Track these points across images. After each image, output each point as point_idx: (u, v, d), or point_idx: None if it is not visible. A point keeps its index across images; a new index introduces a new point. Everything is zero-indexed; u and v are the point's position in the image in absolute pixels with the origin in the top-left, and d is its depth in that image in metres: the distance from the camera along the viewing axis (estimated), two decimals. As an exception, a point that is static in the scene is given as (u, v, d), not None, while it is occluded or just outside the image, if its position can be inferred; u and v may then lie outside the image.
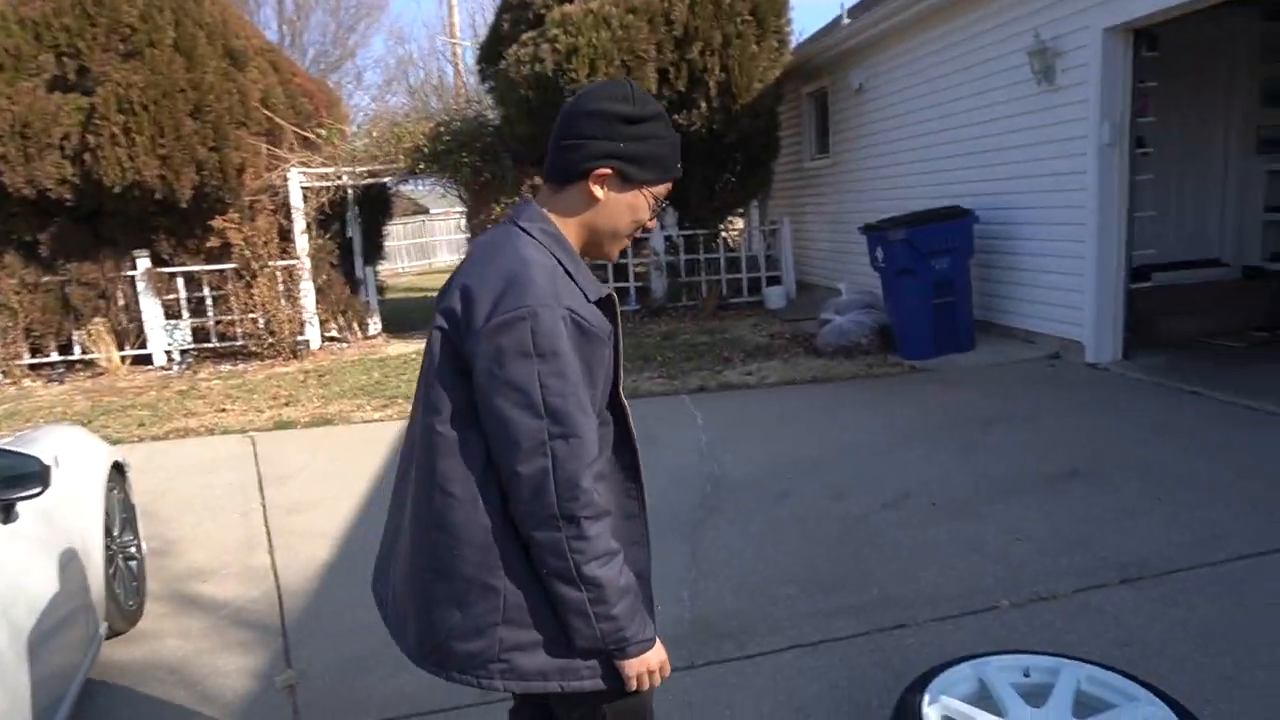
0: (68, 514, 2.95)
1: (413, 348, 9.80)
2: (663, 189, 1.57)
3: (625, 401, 1.59)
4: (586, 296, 1.47)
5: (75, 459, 3.26)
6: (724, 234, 11.93)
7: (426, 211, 26.53)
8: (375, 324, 10.92)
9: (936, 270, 7.05)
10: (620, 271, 10.81)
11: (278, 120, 9.82)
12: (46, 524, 2.72)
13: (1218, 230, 8.13)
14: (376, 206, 11.75)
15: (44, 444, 3.05)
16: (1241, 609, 2.98)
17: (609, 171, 1.50)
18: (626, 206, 1.54)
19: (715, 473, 4.86)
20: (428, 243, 26.00)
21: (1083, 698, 2.16)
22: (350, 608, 3.54)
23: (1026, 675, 2.25)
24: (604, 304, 1.52)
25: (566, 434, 1.39)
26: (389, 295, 15.98)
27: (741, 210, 12.17)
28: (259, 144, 9.54)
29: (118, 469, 3.68)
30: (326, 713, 2.84)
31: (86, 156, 8.64)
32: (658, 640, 1.52)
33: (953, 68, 8.02)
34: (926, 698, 2.15)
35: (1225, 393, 5.50)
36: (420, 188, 13.69)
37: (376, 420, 6.66)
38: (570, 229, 1.54)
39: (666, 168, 1.55)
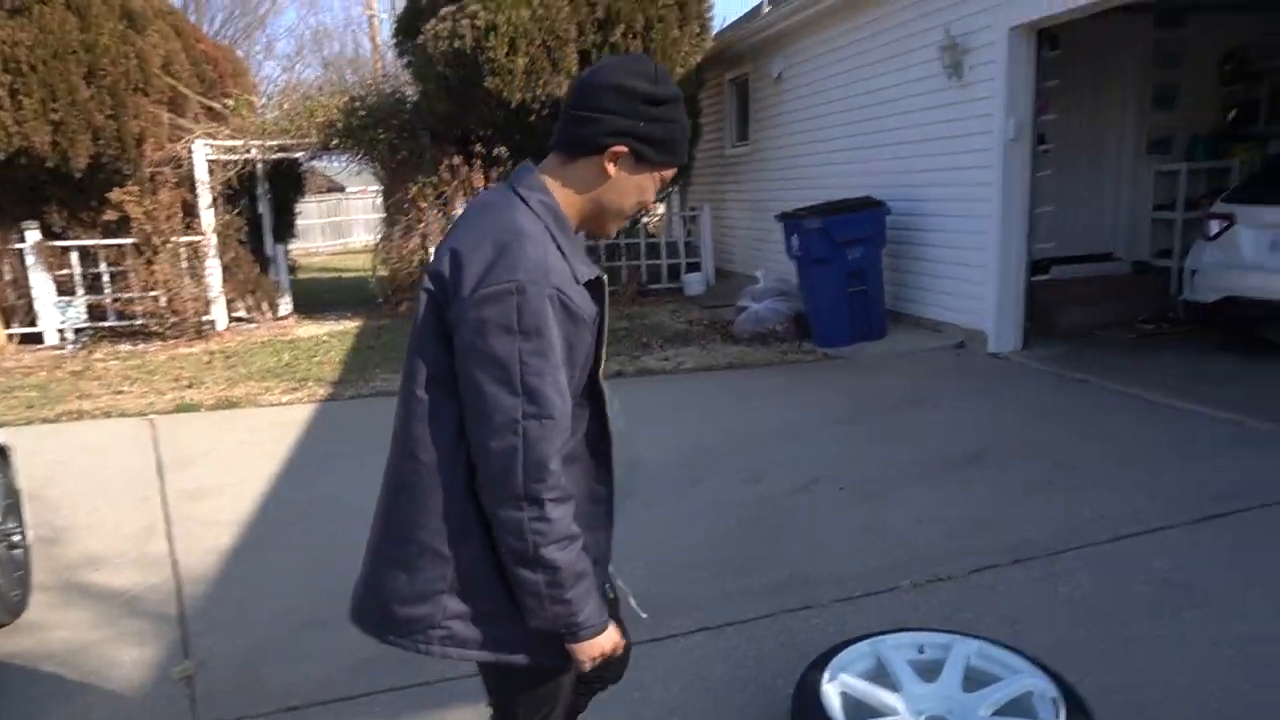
0: (-56, 502, 2.78)
1: (325, 329, 9.54)
2: (670, 172, 1.55)
3: (604, 386, 1.57)
4: (576, 277, 1.44)
5: (-47, 443, 3.07)
6: (644, 219, 11.97)
7: (343, 189, 25.81)
8: (286, 304, 10.59)
9: (850, 260, 7.23)
10: (540, 254, 10.72)
11: (181, 88, 9.39)
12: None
13: (1111, 226, 8.54)
14: (288, 182, 11.36)
15: (-83, 427, 2.86)
16: (1118, 586, 3.16)
17: (625, 150, 1.47)
18: (635, 186, 1.52)
19: (631, 457, 4.85)
20: (344, 221, 25.32)
21: (972, 672, 2.27)
22: (254, 596, 3.46)
23: (921, 652, 2.35)
24: (592, 285, 1.49)
25: (540, 414, 1.38)
26: (302, 275, 15.49)
27: (662, 196, 12.19)
28: (160, 113, 9.10)
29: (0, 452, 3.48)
30: (226, 703, 2.76)
31: (-33, 120, 8.12)
32: (611, 624, 1.53)
33: (869, 59, 8.20)
34: (826, 675, 2.22)
35: (1114, 381, 5.80)
36: (335, 164, 13.30)
37: (285, 403, 6.47)
38: (573, 203, 1.51)
39: (679, 152, 1.53)
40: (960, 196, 7.07)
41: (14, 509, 3.52)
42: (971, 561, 3.41)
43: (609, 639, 1.53)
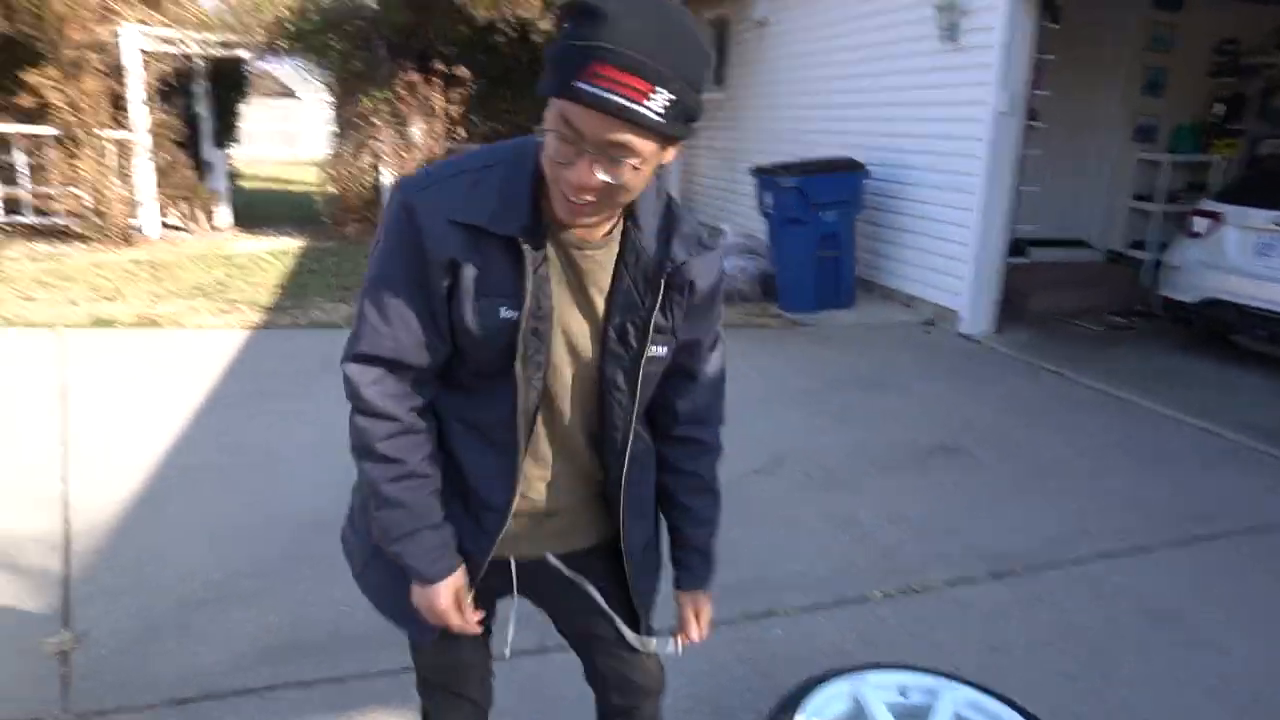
0: None
1: (266, 244, 8.94)
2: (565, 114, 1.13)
3: (519, 376, 1.23)
4: (489, 222, 1.16)
5: None
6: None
7: (294, 95, 24.52)
8: (225, 215, 9.92)
9: (824, 222, 6.90)
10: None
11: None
12: None
13: (1088, 212, 8.36)
14: (231, 83, 10.55)
15: None
16: (1102, 612, 2.96)
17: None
18: (550, 140, 1.14)
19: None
20: (295, 130, 24.11)
21: (961, 724, 2.03)
22: (154, 558, 3.07)
23: (903, 695, 2.10)
24: (513, 245, 1.17)
25: (359, 334, 1.22)
26: (245, 184, 14.66)
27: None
28: (88, -10, 8.26)
29: None
30: (105, 688, 2.39)
31: None
32: (443, 587, 1.29)
33: (860, 12, 7.77)
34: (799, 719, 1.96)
35: (1084, 375, 5.63)
36: (287, 67, 12.44)
37: (213, 326, 5.97)
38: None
39: (563, 78, 1.09)
40: (945, 167, 6.75)
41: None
42: (946, 571, 3.18)
43: (443, 600, 1.29)
